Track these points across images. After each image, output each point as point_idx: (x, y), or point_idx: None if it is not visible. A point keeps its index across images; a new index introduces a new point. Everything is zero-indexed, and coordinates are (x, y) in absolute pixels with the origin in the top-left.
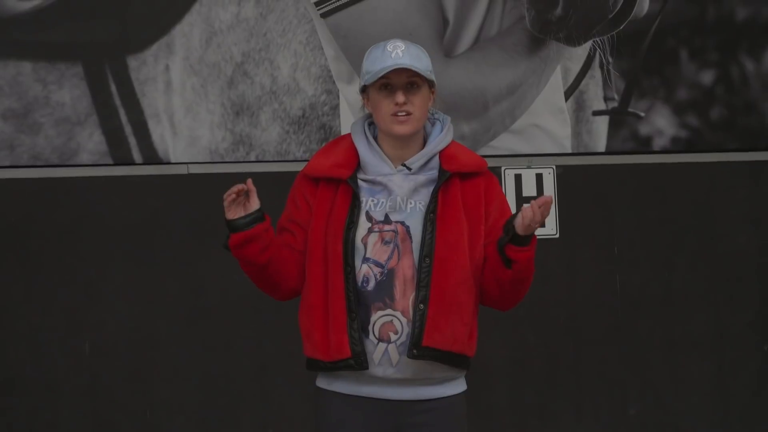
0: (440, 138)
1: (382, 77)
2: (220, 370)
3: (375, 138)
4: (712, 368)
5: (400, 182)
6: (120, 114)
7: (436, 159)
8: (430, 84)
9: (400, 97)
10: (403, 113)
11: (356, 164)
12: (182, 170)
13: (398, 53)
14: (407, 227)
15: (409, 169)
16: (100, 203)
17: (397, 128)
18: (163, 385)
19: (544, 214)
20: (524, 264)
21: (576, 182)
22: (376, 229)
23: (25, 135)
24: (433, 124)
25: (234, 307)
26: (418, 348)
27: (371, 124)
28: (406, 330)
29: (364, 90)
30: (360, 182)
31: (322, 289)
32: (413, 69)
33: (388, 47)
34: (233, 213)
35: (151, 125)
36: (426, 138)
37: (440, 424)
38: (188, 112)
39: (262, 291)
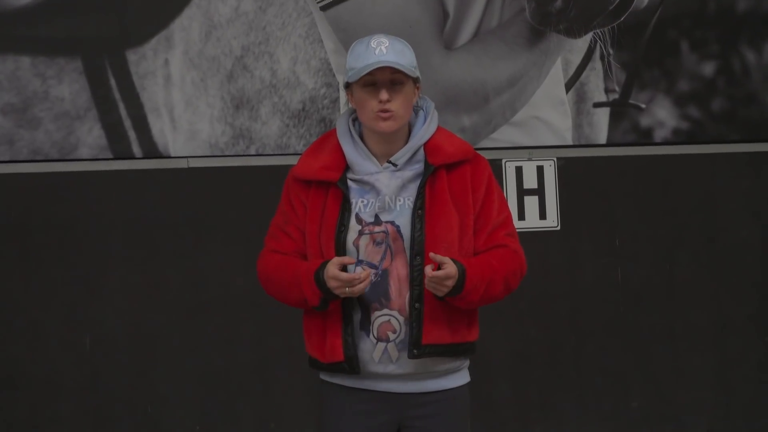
0: (424, 129)
1: (366, 75)
2: (221, 364)
3: (360, 135)
4: (714, 360)
5: (387, 181)
6: (119, 108)
7: (422, 151)
8: (415, 80)
9: (384, 95)
10: (386, 111)
11: (345, 164)
12: (182, 164)
13: (382, 50)
14: (397, 227)
15: (395, 165)
16: (99, 198)
17: (381, 125)
18: (163, 380)
19: (438, 285)
20: (471, 298)
21: (577, 174)
22: (367, 231)
23: (24, 130)
24: (416, 114)
25: (234, 302)
26: (418, 347)
27: (356, 119)
28: (405, 328)
29: (348, 86)
30: (349, 183)
31: None
32: (397, 67)
33: (371, 43)
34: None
35: (151, 119)
36: (411, 129)
37: (443, 416)
38: (188, 106)
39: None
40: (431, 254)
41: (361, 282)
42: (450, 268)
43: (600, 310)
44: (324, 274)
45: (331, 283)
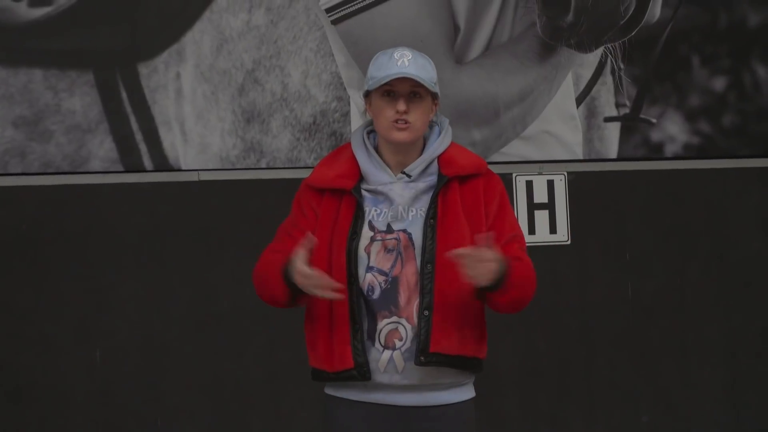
0: (438, 142)
1: (386, 84)
2: (231, 376)
3: (375, 147)
4: (725, 375)
5: (400, 191)
6: (131, 121)
7: (436, 164)
8: (434, 95)
9: (402, 105)
10: (403, 122)
11: (359, 174)
12: (193, 177)
13: (404, 62)
14: (409, 234)
15: (409, 176)
16: (110, 210)
17: (395, 135)
18: (173, 392)
19: (477, 264)
20: (515, 291)
21: (587, 189)
22: (379, 238)
23: (36, 142)
24: (431, 128)
25: (244, 314)
26: (425, 354)
27: (371, 132)
28: (411, 336)
29: (367, 95)
30: (363, 192)
31: (327, 300)
32: (417, 79)
33: (395, 55)
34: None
35: (162, 132)
36: (425, 143)
37: (448, 431)
38: (199, 120)
39: (265, 301)
40: (476, 236)
41: (330, 290)
42: (489, 251)
43: (610, 324)
44: (291, 268)
45: (298, 279)
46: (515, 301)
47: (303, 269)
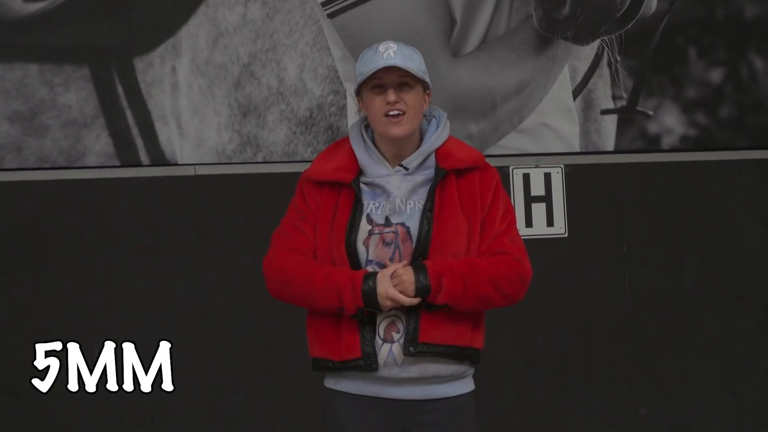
0: (436, 135)
1: (375, 78)
2: (229, 371)
3: (373, 140)
4: (723, 368)
5: (398, 183)
6: (127, 116)
7: (433, 157)
8: (425, 86)
9: (391, 96)
10: (396, 112)
11: (357, 168)
12: (189, 172)
13: (390, 53)
14: (407, 228)
15: (406, 169)
16: (107, 205)
17: (391, 130)
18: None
19: (399, 286)
20: (453, 301)
21: (584, 181)
22: (377, 232)
23: (32, 137)
24: (429, 122)
25: (242, 309)
26: (414, 345)
27: (368, 126)
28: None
29: (358, 93)
30: (361, 186)
31: None
32: (403, 68)
33: (380, 48)
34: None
35: (158, 127)
36: (422, 136)
37: (447, 424)
38: (195, 114)
39: (286, 301)
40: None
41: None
42: (395, 266)
43: (608, 317)
44: (377, 292)
45: (387, 303)
46: (478, 302)
47: (396, 296)
